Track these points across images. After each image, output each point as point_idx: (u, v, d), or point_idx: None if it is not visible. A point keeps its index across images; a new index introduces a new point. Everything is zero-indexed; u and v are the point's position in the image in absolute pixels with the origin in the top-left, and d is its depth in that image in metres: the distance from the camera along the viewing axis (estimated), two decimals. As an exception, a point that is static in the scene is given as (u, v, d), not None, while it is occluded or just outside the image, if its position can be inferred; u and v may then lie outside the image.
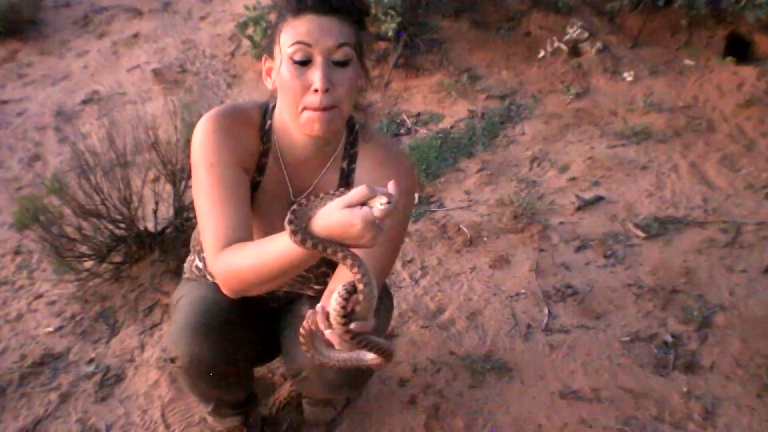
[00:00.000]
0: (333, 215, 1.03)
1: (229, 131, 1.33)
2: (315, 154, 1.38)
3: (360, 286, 1.06)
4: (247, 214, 1.32)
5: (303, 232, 1.06)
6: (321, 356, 1.21)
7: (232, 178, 1.31)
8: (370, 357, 1.19)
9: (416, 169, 2.75)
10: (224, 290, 1.28)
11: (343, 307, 1.07)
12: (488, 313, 2.26)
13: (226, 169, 1.31)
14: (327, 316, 1.10)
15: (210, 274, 1.55)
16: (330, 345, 1.16)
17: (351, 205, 1.02)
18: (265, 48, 1.33)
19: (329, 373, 1.46)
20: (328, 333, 1.10)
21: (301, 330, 1.17)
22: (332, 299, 1.09)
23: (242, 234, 1.27)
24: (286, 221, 1.06)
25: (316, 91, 1.22)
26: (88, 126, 3.65)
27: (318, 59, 1.22)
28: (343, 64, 1.24)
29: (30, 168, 3.37)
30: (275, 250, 1.14)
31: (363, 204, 1.02)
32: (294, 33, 1.22)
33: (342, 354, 1.20)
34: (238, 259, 1.22)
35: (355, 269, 1.05)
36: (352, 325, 1.08)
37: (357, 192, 1.02)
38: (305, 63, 1.22)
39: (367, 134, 1.42)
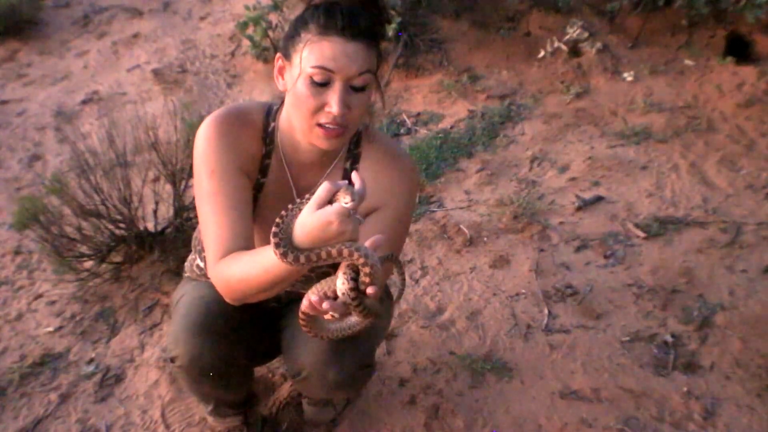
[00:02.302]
0: (308, 221, 1.05)
1: (231, 136, 1.33)
2: (318, 156, 1.39)
3: (366, 269, 1.07)
4: (248, 221, 1.32)
5: (292, 251, 1.07)
6: (323, 332, 1.24)
7: (233, 186, 1.31)
8: (354, 320, 1.22)
9: (418, 170, 2.75)
10: (224, 298, 1.30)
11: (353, 290, 1.09)
12: (488, 313, 2.26)
13: (227, 177, 1.31)
14: (332, 297, 1.12)
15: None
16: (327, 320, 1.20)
17: (321, 205, 1.04)
18: (280, 47, 1.31)
19: (329, 373, 1.47)
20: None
21: (301, 315, 1.19)
22: (339, 285, 1.10)
23: (243, 243, 1.27)
24: (272, 244, 1.07)
25: (330, 113, 1.22)
26: (88, 126, 3.65)
27: (337, 84, 1.21)
28: (360, 89, 1.23)
29: (30, 168, 3.37)
30: (266, 263, 1.14)
31: (331, 201, 1.05)
32: (319, 55, 1.19)
33: (340, 324, 1.23)
34: (233, 270, 1.23)
35: (356, 255, 1.06)
36: (370, 291, 1.09)
37: (322, 190, 1.05)
38: (324, 84, 1.21)
39: (370, 135, 1.43)
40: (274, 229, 1.09)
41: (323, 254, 1.06)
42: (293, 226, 1.09)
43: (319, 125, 1.24)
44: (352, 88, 1.22)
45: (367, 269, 1.06)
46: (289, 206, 1.12)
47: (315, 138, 1.27)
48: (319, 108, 1.23)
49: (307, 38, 1.21)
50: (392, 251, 1.28)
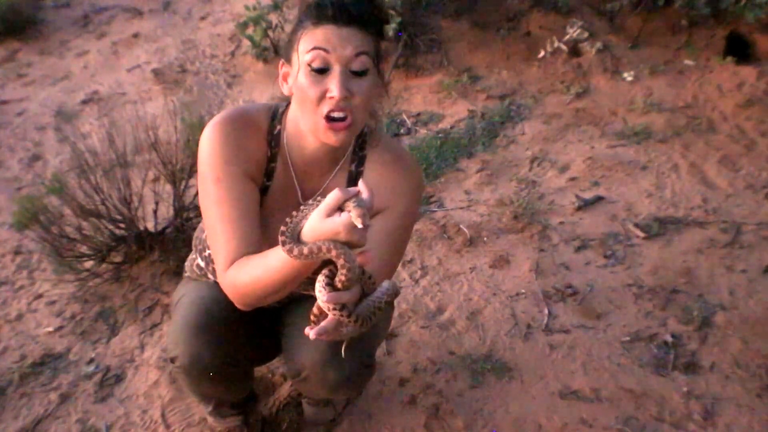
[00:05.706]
0: (317, 228, 1.08)
1: (235, 140, 1.33)
2: (324, 158, 1.39)
3: (343, 272, 1.10)
4: (256, 227, 1.33)
5: (296, 245, 1.10)
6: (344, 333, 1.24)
7: (239, 193, 1.32)
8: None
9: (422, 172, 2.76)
10: (236, 304, 1.31)
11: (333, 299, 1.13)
12: (488, 313, 2.26)
13: (234, 184, 1.31)
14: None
15: (211, 273, 1.56)
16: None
17: (330, 213, 1.06)
18: (282, 53, 1.33)
19: (329, 373, 1.46)
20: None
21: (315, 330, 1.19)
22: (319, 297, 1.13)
23: (252, 249, 1.28)
24: (280, 243, 1.11)
25: (332, 98, 1.22)
26: (88, 126, 3.65)
27: (336, 67, 1.22)
28: (360, 73, 1.24)
29: (30, 168, 3.37)
30: (275, 264, 1.16)
31: (341, 208, 1.07)
32: (312, 40, 1.22)
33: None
34: (242, 275, 1.25)
35: (336, 252, 1.09)
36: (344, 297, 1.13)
37: (332, 198, 1.07)
38: (323, 71, 1.22)
39: (375, 138, 1.43)
40: (282, 228, 1.12)
41: (314, 249, 1.09)
42: (301, 227, 1.12)
43: (325, 118, 1.24)
44: (352, 73, 1.23)
45: (344, 272, 1.09)
46: (301, 207, 1.15)
47: (323, 134, 1.26)
48: (322, 96, 1.23)
49: (302, 33, 1.24)
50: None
